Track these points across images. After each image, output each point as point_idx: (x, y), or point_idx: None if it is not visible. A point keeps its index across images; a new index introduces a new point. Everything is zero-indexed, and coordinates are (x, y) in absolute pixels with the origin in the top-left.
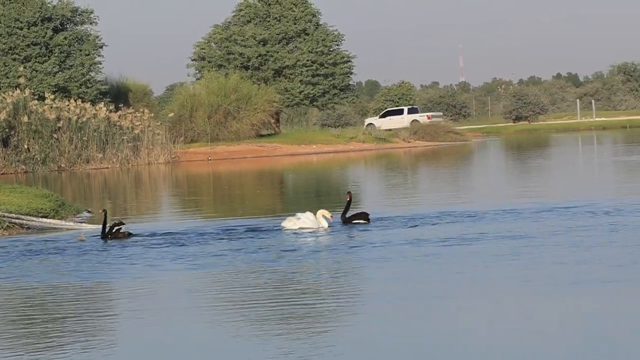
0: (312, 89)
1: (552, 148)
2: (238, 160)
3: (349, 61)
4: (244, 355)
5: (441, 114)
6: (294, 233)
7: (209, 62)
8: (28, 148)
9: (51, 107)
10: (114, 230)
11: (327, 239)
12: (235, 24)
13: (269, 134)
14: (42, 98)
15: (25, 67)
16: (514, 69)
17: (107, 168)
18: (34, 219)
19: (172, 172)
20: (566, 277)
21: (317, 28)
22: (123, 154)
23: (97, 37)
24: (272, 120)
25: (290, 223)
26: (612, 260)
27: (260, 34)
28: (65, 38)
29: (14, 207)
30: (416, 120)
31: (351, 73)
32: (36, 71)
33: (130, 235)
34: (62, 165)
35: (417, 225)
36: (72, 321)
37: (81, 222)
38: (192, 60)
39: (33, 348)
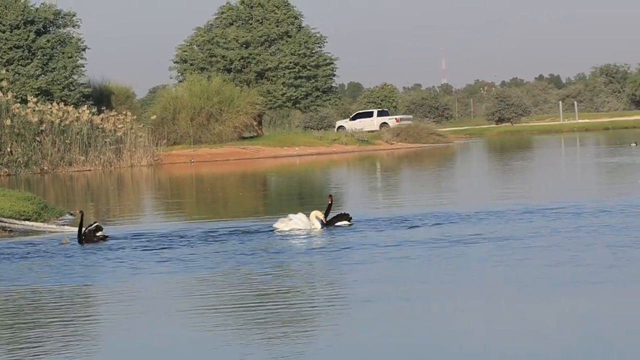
0: (295, 91)
1: (535, 150)
2: (221, 162)
3: (332, 63)
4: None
5: (410, 117)
6: (282, 235)
7: (192, 64)
8: (11, 151)
9: (34, 110)
10: (87, 232)
11: (311, 241)
12: (218, 27)
13: (251, 137)
14: (24, 101)
15: (7, 70)
16: (496, 70)
17: (90, 171)
18: (17, 221)
19: (154, 174)
20: (550, 278)
21: (299, 30)
22: (106, 157)
23: (80, 39)
24: (255, 123)
25: (283, 224)
26: (596, 261)
27: (243, 37)
28: (47, 41)
29: None
30: (385, 123)
31: (334, 75)
32: (19, 74)
33: (106, 238)
34: (44, 168)
35: (402, 227)
36: (54, 326)
37: (63, 225)
38: (175, 63)
39: (14, 354)
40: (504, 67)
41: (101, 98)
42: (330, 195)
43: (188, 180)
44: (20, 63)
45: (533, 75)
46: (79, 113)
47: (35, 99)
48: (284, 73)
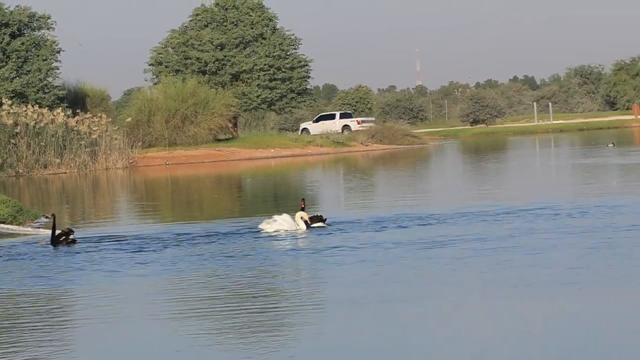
0: (270, 93)
1: (509, 151)
2: (196, 164)
3: (306, 65)
4: None
5: (373, 119)
6: (267, 236)
7: (166, 66)
8: None
9: (8, 113)
10: (57, 236)
11: (289, 243)
12: (192, 29)
13: (226, 139)
14: None
15: None
16: (470, 72)
17: (65, 173)
18: None
19: (130, 177)
20: (524, 279)
21: (274, 32)
22: (81, 159)
23: (55, 42)
24: (230, 125)
25: (268, 225)
26: (569, 262)
27: (218, 39)
28: (22, 43)
29: None
30: (347, 126)
31: (308, 77)
32: None
33: (74, 241)
34: (19, 170)
35: (378, 229)
36: (28, 330)
37: (39, 228)
38: (149, 65)
39: None
40: (479, 69)
41: (76, 100)
42: (303, 199)
43: (163, 183)
44: None
45: (507, 76)
46: (53, 115)
47: (10, 102)
48: (259, 75)
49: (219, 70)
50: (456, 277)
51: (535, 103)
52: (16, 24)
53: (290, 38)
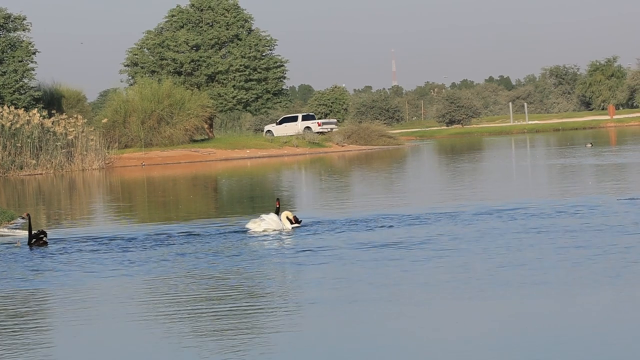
0: (245, 94)
1: (485, 151)
2: (172, 165)
3: (282, 66)
4: None
5: (334, 120)
6: (254, 235)
7: (142, 67)
8: None
9: None
10: (30, 238)
11: (270, 243)
12: (168, 30)
13: (202, 139)
14: None
15: None
16: (446, 72)
17: (41, 174)
18: None
19: (106, 178)
20: (497, 279)
21: (249, 33)
22: (57, 160)
23: (30, 43)
24: (206, 126)
25: (255, 225)
26: (541, 262)
27: (193, 40)
28: None
29: None
30: (308, 127)
31: (284, 77)
32: None
33: (45, 243)
34: None
35: (354, 230)
36: (4, 333)
37: (15, 229)
38: (125, 66)
39: None
40: (454, 69)
41: (52, 101)
42: (278, 199)
43: (139, 184)
44: None
45: (483, 77)
46: (29, 116)
47: None
48: (235, 76)
49: (195, 71)
50: (428, 277)
51: (510, 103)
52: None
53: (265, 39)
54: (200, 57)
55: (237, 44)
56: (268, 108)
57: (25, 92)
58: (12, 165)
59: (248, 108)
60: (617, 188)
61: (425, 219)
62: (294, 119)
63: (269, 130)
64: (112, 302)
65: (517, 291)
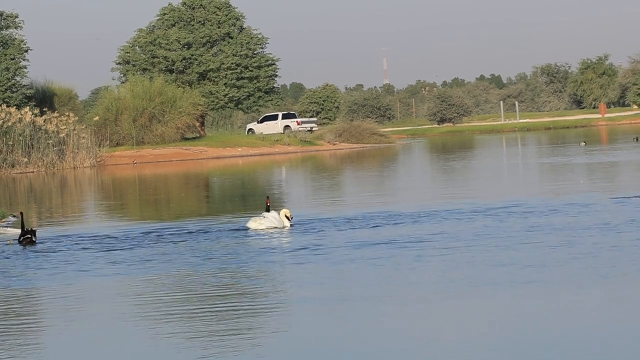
0: (237, 92)
1: (476, 149)
2: (164, 163)
3: (273, 64)
4: None
5: (315, 119)
6: (256, 234)
7: (134, 65)
8: None
9: None
10: (21, 238)
11: (259, 242)
12: (160, 28)
13: (194, 137)
14: None
15: None
16: (437, 71)
17: (33, 172)
18: None
19: (97, 176)
20: (490, 278)
21: (241, 31)
22: (48, 158)
23: (22, 41)
24: (197, 124)
25: (256, 223)
26: (528, 261)
27: (185, 38)
28: None
29: None
30: (288, 126)
31: (275, 76)
32: None
33: (33, 243)
34: None
35: (345, 228)
36: None
37: (6, 227)
38: (117, 64)
39: None
40: (445, 68)
41: (44, 99)
42: (267, 197)
43: (131, 182)
44: None
45: (474, 75)
46: (21, 114)
47: None
48: (226, 74)
49: (186, 69)
50: (420, 276)
51: (502, 102)
52: None
53: (257, 37)
54: (192, 55)
55: (229, 42)
56: (259, 106)
57: (17, 90)
58: (3, 163)
59: (239, 106)
60: (610, 187)
61: (417, 218)
62: (275, 117)
63: (250, 129)
64: (102, 301)
65: (509, 290)
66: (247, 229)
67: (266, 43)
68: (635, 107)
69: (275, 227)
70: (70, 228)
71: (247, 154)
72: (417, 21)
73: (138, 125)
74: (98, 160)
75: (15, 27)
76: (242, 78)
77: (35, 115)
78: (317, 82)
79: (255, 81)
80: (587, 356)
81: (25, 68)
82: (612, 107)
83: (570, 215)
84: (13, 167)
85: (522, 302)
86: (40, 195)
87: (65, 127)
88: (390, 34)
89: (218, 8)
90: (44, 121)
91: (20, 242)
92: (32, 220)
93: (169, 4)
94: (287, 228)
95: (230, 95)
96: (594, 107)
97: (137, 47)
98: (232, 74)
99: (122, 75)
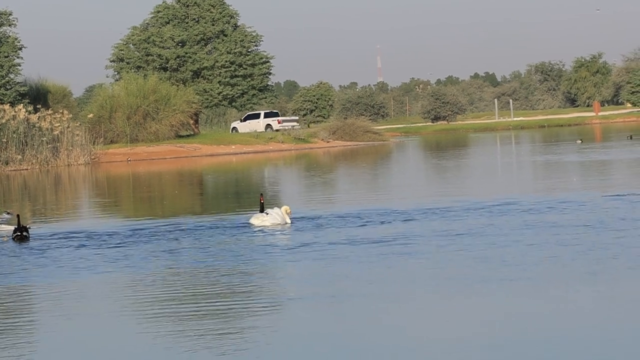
0: (231, 90)
1: (470, 148)
2: (158, 161)
3: (267, 62)
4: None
5: (296, 118)
6: (259, 230)
7: (128, 63)
8: None
9: None
10: (15, 234)
11: (254, 239)
12: (154, 26)
13: (188, 135)
14: None
15: None
16: (431, 69)
17: (27, 169)
18: None
19: (92, 173)
20: (475, 275)
21: (235, 29)
22: (42, 156)
23: (16, 39)
24: (191, 121)
25: (258, 220)
26: (522, 259)
27: (179, 36)
28: None
29: None
30: (269, 125)
31: (269, 74)
32: None
33: (24, 239)
34: None
35: (340, 226)
36: None
37: (1, 224)
38: (111, 62)
39: None
40: (439, 66)
41: (38, 97)
42: (261, 194)
43: (125, 179)
44: None
45: (468, 73)
46: (15, 112)
47: None
48: (220, 72)
49: (180, 67)
50: (414, 274)
51: (496, 100)
52: None
53: (251, 35)
54: (186, 53)
55: (223, 40)
56: (254, 104)
57: (11, 88)
58: None
59: (233, 104)
60: (603, 184)
61: (412, 216)
62: (257, 116)
63: (234, 127)
64: (95, 299)
65: (501, 288)
66: (249, 225)
67: (260, 41)
68: (629, 105)
69: (279, 224)
70: (63, 225)
71: (241, 151)
72: (412, 19)
73: (132, 123)
74: (92, 157)
75: (9, 25)
76: (236, 76)
77: (29, 113)
78: (311, 80)
79: (249, 79)
80: (579, 354)
81: (19, 65)
82: (606, 105)
83: (564, 213)
84: (7, 164)
85: (514, 300)
86: (34, 193)
87: (59, 124)
88: (384, 32)
89: (212, 6)
90: (38, 118)
91: (13, 239)
92: (26, 218)
93: (163, 2)
94: (288, 225)
95: (224, 93)
96: (588, 106)
97: (131, 44)
98: (226, 71)
99: (116, 72)
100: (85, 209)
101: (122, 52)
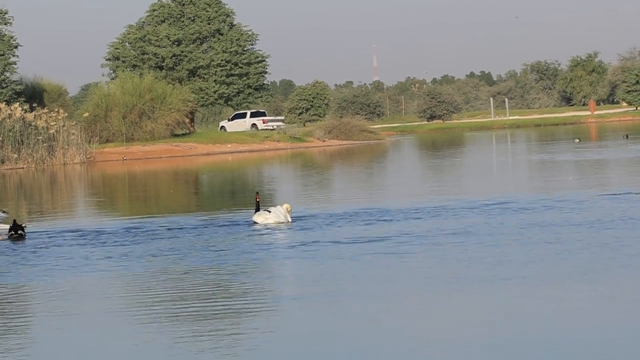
0: (227, 89)
1: (466, 146)
2: (153, 160)
3: (263, 61)
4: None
5: (282, 118)
6: (263, 228)
7: (124, 62)
8: None
9: None
10: (10, 232)
11: (251, 238)
12: (150, 24)
13: (183, 134)
14: None
15: None
16: (427, 67)
17: (23, 168)
18: None
19: (87, 172)
20: (473, 274)
21: (231, 28)
22: (38, 154)
23: (12, 37)
24: (187, 120)
25: (262, 218)
26: (517, 257)
27: (175, 34)
28: None
29: None
30: (254, 124)
31: (265, 73)
32: None
33: (19, 237)
34: None
35: (336, 225)
36: None
37: None
38: (107, 60)
39: None
40: (435, 65)
41: (33, 95)
42: (257, 193)
43: (120, 178)
44: None
45: (464, 72)
46: (11, 110)
47: None
48: (216, 71)
49: (176, 65)
50: (411, 273)
51: (491, 99)
52: None
53: (247, 34)
54: (182, 51)
55: (219, 39)
56: (249, 103)
57: (7, 86)
58: None
59: (229, 103)
60: (600, 183)
61: (407, 214)
62: (243, 115)
63: (222, 126)
64: (91, 298)
65: (497, 287)
66: (252, 223)
67: (256, 40)
68: (625, 104)
69: (282, 222)
70: (59, 224)
71: (237, 150)
72: (408, 19)
73: (128, 122)
74: (88, 156)
75: (5, 23)
76: (232, 75)
77: (25, 111)
78: (306, 79)
79: (245, 78)
80: (578, 354)
81: (15, 64)
82: (602, 104)
83: (559, 212)
84: (3, 163)
85: (512, 300)
86: (30, 191)
87: (55, 123)
88: (380, 32)
89: (208, 4)
90: (34, 117)
91: (9, 238)
92: (22, 216)
93: (159, 1)
94: (289, 223)
95: (220, 91)
96: (583, 105)
97: (126, 43)
98: (222, 70)
99: (112, 71)
100: (81, 207)
101: (118, 50)
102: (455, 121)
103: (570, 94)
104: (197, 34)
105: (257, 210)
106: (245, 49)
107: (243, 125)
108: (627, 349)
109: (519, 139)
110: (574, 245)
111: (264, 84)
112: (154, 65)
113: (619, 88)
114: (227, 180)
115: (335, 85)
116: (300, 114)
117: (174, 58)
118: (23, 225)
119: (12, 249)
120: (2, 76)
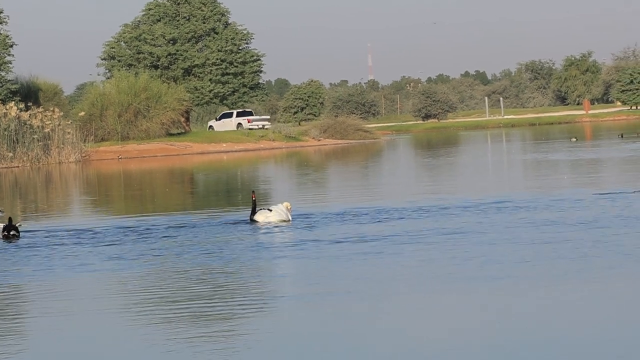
0: (222, 88)
1: (461, 146)
2: (149, 158)
3: (258, 60)
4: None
5: (268, 117)
6: (264, 227)
7: (119, 61)
8: None
9: None
10: (4, 232)
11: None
12: (145, 23)
13: (179, 133)
14: None
15: None
16: (422, 67)
17: (18, 167)
18: None
19: (83, 171)
20: (470, 274)
21: (226, 27)
22: (34, 153)
23: (7, 36)
24: (182, 119)
25: (263, 216)
26: (512, 256)
27: (170, 33)
28: None
29: None
30: (240, 124)
31: (260, 72)
32: None
33: (12, 237)
34: None
35: (332, 224)
36: None
37: None
38: (102, 60)
39: None
40: (430, 64)
41: (29, 94)
42: (253, 192)
43: (116, 177)
44: None
45: (459, 71)
46: (6, 109)
47: None
48: (211, 70)
49: (171, 64)
50: (408, 272)
51: (486, 98)
52: None
53: (242, 33)
54: (177, 50)
55: (214, 38)
56: (244, 102)
57: (2, 85)
58: None
59: (224, 102)
60: (595, 182)
61: (404, 214)
62: (230, 115)
63: (210, 126)
64: (87, 298)
65: (491, 286)
66: (254, 222)
67: (251, 39)
68: (619, 103)
69: (283, 220)
70: (54, 223)
71: (232, 149)
72: (404, 18)
73: (123, 121)
74: (83, 155)
75: (0, 23)
76: (227, 74)
77: (20, 110)
78: (302, 78)
79: (240, 77)
80: (577, 354)
81: (10, 63)
82: (596, 103)
83: (555, 211)
84: None
85: (508, 299)
86: (25, 190)
87: (50, 122)
88: (375, 31)
89: (203, 4)
90: (29, 116)
91: (2, 238)
92: (17, 215)
93: (154, 0)
94: (290, 221)
95: (215, 91)
96: (578, 104)
97: (122, 42)
98: (217, 69)
99: (107, 70)
100: (76, 206)
101: (113, 49)
102: (451, 120)
103: (565, 93)
104: (192, 33)
105: (254, 209)
106: (240, 47)
107: (230, 124)
108: (625, 349)
109: (514, 138)
110: (569, 244)
111: (259, 83)
112: (149, 64)
113: (613, 87)
114: (222, 179)
115: (330, 84)
116: (295, 113)
117: (169, 57)
118: (17, 224)
119: (6, 248)
120: None
